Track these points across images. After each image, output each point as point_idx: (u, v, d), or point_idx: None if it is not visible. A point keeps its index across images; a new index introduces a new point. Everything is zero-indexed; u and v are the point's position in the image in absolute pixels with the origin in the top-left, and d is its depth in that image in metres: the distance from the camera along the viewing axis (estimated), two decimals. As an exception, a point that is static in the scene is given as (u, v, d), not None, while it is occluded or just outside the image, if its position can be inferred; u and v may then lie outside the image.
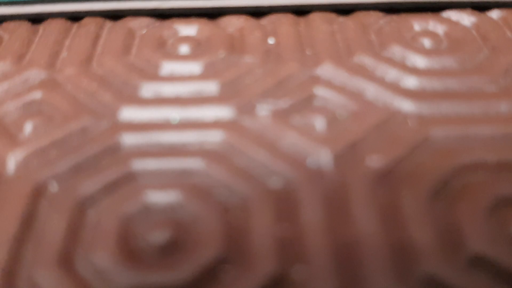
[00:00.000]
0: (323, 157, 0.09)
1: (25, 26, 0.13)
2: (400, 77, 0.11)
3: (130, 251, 0.08)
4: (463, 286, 0.08)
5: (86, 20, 0.13)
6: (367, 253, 0.08)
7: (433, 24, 0.13)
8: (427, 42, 0.12)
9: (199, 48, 0.12)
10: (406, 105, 0.10)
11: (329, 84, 0.11)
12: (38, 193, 0.09)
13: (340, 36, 0.13)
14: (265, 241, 0.08)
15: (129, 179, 0.09)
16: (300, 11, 0.14)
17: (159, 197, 0.09)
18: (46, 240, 0.08)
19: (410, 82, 0.11)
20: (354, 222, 0.08)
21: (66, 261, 0.08)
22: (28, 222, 0.09)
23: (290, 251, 0.08)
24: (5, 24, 0.13)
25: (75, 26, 0.13)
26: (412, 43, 0.12)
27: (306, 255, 0.08)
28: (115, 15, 0.14)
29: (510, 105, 0.10)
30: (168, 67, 0.12)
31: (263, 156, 0.10)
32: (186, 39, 0.13)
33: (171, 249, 0.08)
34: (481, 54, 0.12)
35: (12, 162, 0.10)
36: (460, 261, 0.08)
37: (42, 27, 0.13)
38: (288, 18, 0.13)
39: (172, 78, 0.11)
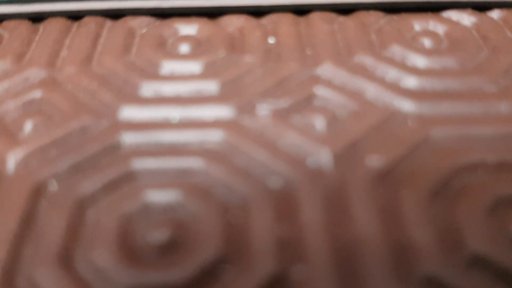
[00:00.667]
0: (323, 157, 0.09)
1: (26, 25, 0.13)
2: (400, 77, 0.11)
3: (129, 250, 0.08)
4: (462, 286, 0.08)
5: (86, 19, 0.13)
6: (367, 253, 0.08)
7: (434, 24, 0.13)
8: (427, 42, 0.12)
9: (199, 47, 0.12)
10: (406, 105, 0.10)
11: (329, 84, 0.11)
12: (38, 192, 0.09)
13: (340, 36, 0.13)
14: (265, 241, 0.08)
15: (129, 178, 0.09)
16: (300, 11, 0.14)
17: (159, 197, 0.09)
18: (46, 239, 0.08)
19: (410, 82, 0.11)
20: (353, 222, 0.08)
21: (65, 260, 0.08)
22: (28, 221, 0.09)
23: (290, 250, 0.08)
24: (5, 23, 0.13)
25: (75, 25, 0.13)
26: (412, 43, 0.12)
27: (306, 255, 0.08)
28: (115, 14, 0.14)
29: (510, 105, 0.10)
30: (168, 66, 0.12)
31: (263, 156, 0.10)
32: (186, 38, 0.13)
33: (171, 249, 0.08)
34: (481, 54, 0.12)
35: (12, 161, 0.10)
36: (459, 261, 0.08)
37: (42, 26, 0.13)
38: (288, 18, 0.13)
39: (172, 78, 0.11)
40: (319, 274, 0.08)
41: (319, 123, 0.10)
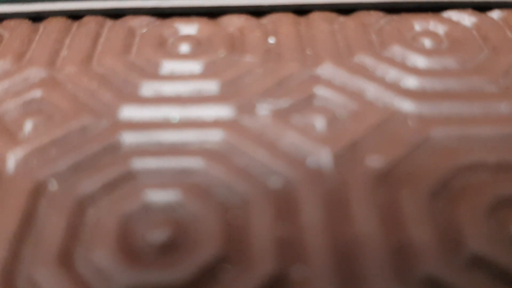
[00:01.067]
0: (323, 157, 0.09)
1: (26, 24, 0.13)
2: (401, 77, 0.11)
3: (129, 250, 0.08)
4: (462, 286, 0.08)
5: (87, 19, 0.13)
6: (367, 253, 0.08)
7: (434, 24, 0.13)
8: (427, 42, 0.12)
9: (199, 47, 0.12)
10: (406, 105, 0.10)
11: (329, 84, 0.11)
12: (38, 191, 0.09)
13: (341, 36, 0.13)
14: (265, 241, 0.08)
15: (129, 178, 0.09)
16: (301, 11, 0.14)
17: (159, 196, 0.09)
18: (46, 238, 0.08)
19: (411, 82, 0.11)
20: (353, 222, 0.08)
21: (65, 259, 0.08)
22: (28, 220, 0.09)
23: (290, 250, 0.08)
24: (5, 22, 0.13)
25: (76, 24, 0.13)
26: (412, 43, 0.12)
27: (306, 254, 0.08)
28: (116, 14, 0.14)
29: (510, 105, 0.10)
30: (168, 66, 0.12)
31: (263, 156, 0.10)
32: (186, 38, 0.13)
33: (171, 248, 0.08)
34: (481, 55, 0.12)
35: (12, 160, 0.10)
36: (459, 261, 0.08)
37: (42, 26, 0.13)
38: (288, 18, 0.13)
39: (172, 77, 0.11)
40: (319, 274, 0.08)
41: (319, 123, 0.10)
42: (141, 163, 0.10)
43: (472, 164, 0.09)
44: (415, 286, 0.08)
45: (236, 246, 0.08)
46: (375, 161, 0.09)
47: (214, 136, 0.10)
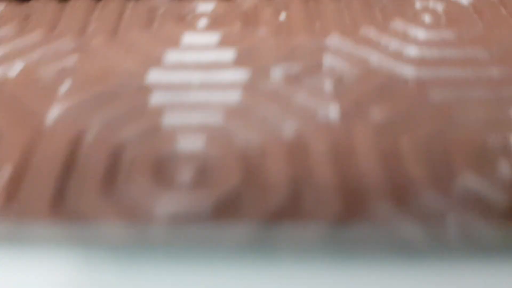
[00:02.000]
0: (331, 112, 0.11)
1: (53, 3, 0.14)
2: (402, 47, 0.12)
3: (164, 183, 0.09)
4: (454, 215, 0.09)
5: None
6: (370, 188, 0.09)
7: (433, 3, 0.14)
8: (427, 18, 0.13)
9: (216, 22, 0.13)
10: (407, 70, 0.11)
11: (336, 52, 0.12)
12: (76, 142, 0.10)
13: (347, 12, 0.14)
14: (279, 176, 0.09)
15: (158, 129, 0.10)
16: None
17: (185, 144, 0.10)
18: (88, 175, 0.09)
19: (411, 51, 0.12)
20: (358, 162, 0.09)
21: (108, 190, 0.09)
22: (70, 163, 0.10)
23: (301, 185, 0.09)
24: (32, 2, 0.14)
25: (100, 4, 0.14)
26: (413, 19, 0.13)
27: (315, 187, 0.09)
28: (138, -7, 0.15)
29: (501, 70, 0.11)
30: (188, 38, 0.13)
31: (277, 111, 0.11)
32: (203, 14, 0.14)
33: (197, 184, 0.09)
34: (477, 28, 0.13)
35: (53, 115, 0.11)
36: (452, 193, 0.09)
37: (68, 6, 0.14)
38: (298, -4, 0.14)
39: (192, 47, 0.12)
40: (326, 198, 0.09)
41: (327, 85, 0.11)
42: (168, 119, 0.11)
43: (465, 119, 0.10)
44: (413, 215, 0.09)
45: (254, 179, 0.09)
46: (378, 114, 0.10)
47: (232, 96, 0.11)
